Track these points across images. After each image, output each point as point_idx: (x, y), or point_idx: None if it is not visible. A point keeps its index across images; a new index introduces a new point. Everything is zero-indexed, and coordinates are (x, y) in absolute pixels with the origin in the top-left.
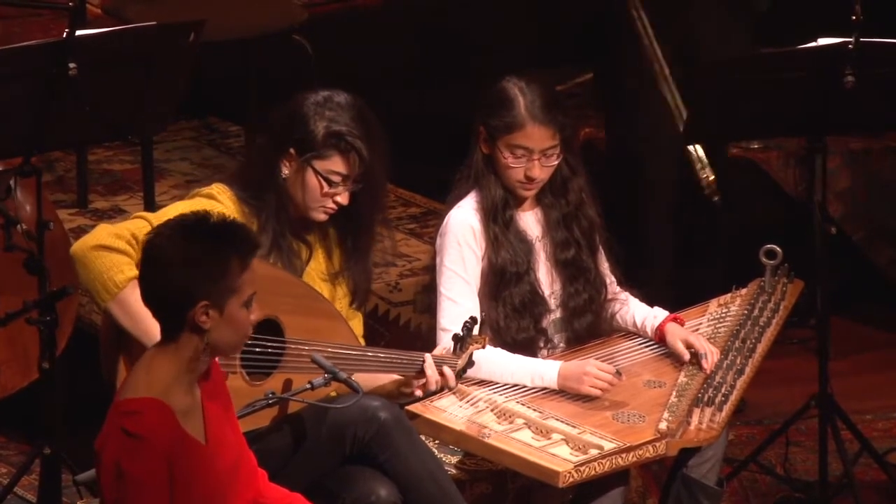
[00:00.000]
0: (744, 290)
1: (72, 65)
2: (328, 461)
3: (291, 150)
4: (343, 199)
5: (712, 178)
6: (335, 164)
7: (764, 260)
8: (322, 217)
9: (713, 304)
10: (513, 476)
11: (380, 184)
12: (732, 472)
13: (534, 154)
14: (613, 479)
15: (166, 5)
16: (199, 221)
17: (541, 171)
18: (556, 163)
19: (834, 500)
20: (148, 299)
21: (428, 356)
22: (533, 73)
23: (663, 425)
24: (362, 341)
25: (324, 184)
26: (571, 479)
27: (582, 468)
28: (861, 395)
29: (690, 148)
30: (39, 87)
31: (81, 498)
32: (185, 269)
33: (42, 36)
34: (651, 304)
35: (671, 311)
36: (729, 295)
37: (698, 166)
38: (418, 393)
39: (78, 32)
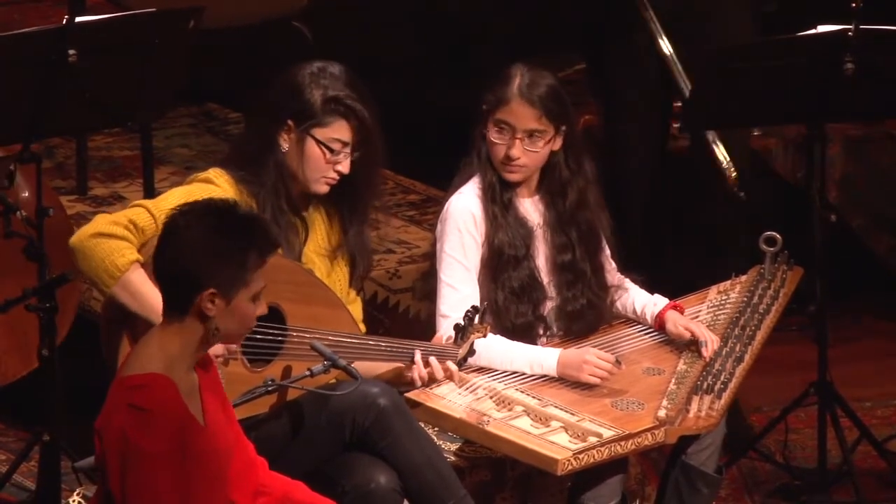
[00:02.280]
0: (743, 278)
1: (71, 51)
2: (327, 448)
3: (289, 122)
4: (344, 167)
5: (735, 174)
6: (335, 131)
7: (763, 247)
8: (324, 188)
9: (713, 292)
10: (512, 464)
11: (376, 151)
12: (731, 459)
13: (516, 132)
14: (612, 466)
15: None
16: (227, 210)
17: (522, 154)
18: (540, 149)
19: (833, 487)
20: (159, 275)
21: (417, 352)
22: (544, 65)
23: (662, 413)
24: (362, 326)
25: (325, 152)
26: (570, 467)
27: (581, 456)
28: (860, 382)
29: (713, 145)
30: (39, 73)
31: (81, 485)
32: (204, 253)
33: (41, 22)
34: (651, 291)
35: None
36: (728, 282)
37: (723, 164)
38: (418, 383)
39: (77, 19)
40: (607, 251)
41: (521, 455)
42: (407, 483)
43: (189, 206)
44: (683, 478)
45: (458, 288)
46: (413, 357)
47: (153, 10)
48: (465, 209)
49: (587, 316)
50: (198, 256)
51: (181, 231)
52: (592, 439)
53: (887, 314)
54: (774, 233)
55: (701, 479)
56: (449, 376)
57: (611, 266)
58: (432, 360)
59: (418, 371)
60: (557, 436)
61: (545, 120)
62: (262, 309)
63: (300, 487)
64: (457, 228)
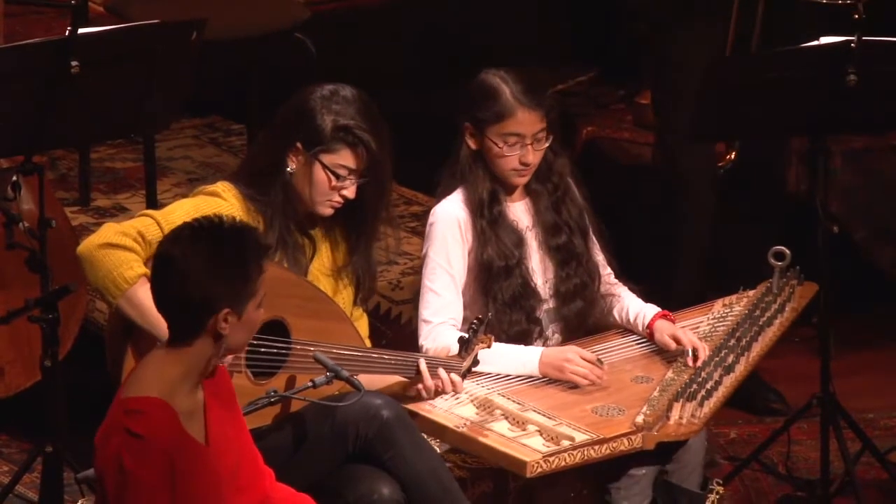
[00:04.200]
0: (751, 292)
1: (74, 63)
2: (330, 460)
3: (298, 145)
4: (350, 192)
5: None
6: (343, 158)
7: (772, 261)
8: (328, 211)
9: (718, 305)
10: (514, 475)
11: (385, 177)
12: (734, 470)
13: (526, 139)
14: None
15: (168, 3)
16: (214, 229)
17: (534, 156)
18: (546, 146)
19: (835, 498)
20: (164, 306)
21: (421, 360)
22: (508, 65)
23: (640, 418)
24: (368, 342)
25: (331, 177)
26: (539, 470)
27: (551, 458)
28: (863, 394)
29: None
30: (41, 85)
31: (83, 496)
32: (208, 278)
33: (44, 34)
34: (660, 302)
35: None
36: (735, 295)
37: None
38: (424, 395)
39: (80, 30)
40: (594, 239)
41: (494, 458)
42: (410, 495)
43: (176, 234)
44: (666, 496)
45: (442, 294)
46: (417, 368)
47: (156, 21)
48: (450, 214)
49: (579, 298)
50: (205, 282)
51: (179, 261)
52: (565, 443)
53: (890, 326)
54: (783, 247)
55: (684, 496)
56: (454, 388)
57: (607, 270)
58: (441, 371)
59: (424, 382)
60: (531, 439)
61: (545, 116)
62: (263, 312)
63: (306, 501)
64: (442, 234)
